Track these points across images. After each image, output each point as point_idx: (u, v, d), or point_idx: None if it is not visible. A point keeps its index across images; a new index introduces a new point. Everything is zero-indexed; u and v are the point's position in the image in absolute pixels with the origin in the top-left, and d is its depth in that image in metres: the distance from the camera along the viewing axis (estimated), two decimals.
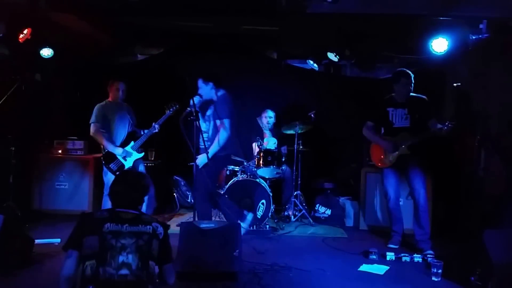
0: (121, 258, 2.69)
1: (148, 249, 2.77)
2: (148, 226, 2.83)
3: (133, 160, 5.93)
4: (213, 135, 5.48)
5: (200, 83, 5.43)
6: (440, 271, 4.46)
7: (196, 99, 5.36)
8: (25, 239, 4.74)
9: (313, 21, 5.95)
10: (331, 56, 6.83)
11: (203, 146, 5.34)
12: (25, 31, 5.99)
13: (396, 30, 6.04)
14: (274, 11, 5.57)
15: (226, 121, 5.44)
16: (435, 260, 4.58)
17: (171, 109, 5.97)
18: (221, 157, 5.57)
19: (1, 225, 4.39)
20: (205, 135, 5.44)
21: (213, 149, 5.45)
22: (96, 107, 5.86)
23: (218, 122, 5.42)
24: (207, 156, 5.36)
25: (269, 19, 6.13)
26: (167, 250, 2.96)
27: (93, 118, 5.81)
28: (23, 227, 5.08)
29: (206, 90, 5.47)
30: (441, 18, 5.52)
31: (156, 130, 5.97)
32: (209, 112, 5.49)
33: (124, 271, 2.67)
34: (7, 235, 4.45)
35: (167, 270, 2.97)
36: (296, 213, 6.80)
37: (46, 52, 6.62)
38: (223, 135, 5.44)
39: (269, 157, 6.43)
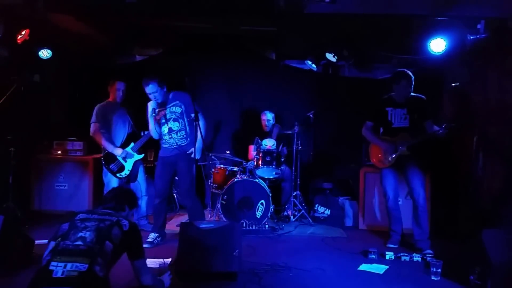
0: (79, 234, 2.98)
1: (108, 232, 3.04)
2: (113, 218, 3.15)
3: (133, 161, 5.94)
4: (191, 130, 5.48)
5: (153, 88, 5.37)
6: (439, 270, 4.46)
7: (153, 104, 5.47)
8: (25, 240, 4.75)
9: (311, 21, 5.95)
10: (329, 56, 6.84)
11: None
12: (23, 32, 6.00)
13: (394, 30, 6.05)
14: (272, 12, 5.57)
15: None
16: (434, 260, 4.59)
17: None
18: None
19: (1, 226, 4.40)
20: (181, 133, 5.49)
21: (200, 141, 5.47)
22: (96, 107, 5.87)
23: (192, 115, 5.37)
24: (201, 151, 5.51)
25: (267, 19, 6.14)
26: (135, 245, 3.29)
27: (93, 118, 5.82)
28: (23, 227, 5.08)
29: (161, 94, 5.44)
30: (439, 19, 5.53)
31: None
32: (178, 110, 5.50)
33: (78, 242, 2.95)
34: (7, 235, 4.45)
35: (139, 266, 3.31)
36: (296, 213, 6.81)
37: (45, 53, 6.62)
38: (203, 125, 5.48)
39: (268, 157, 6.45)
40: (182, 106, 5.49)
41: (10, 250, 4.47)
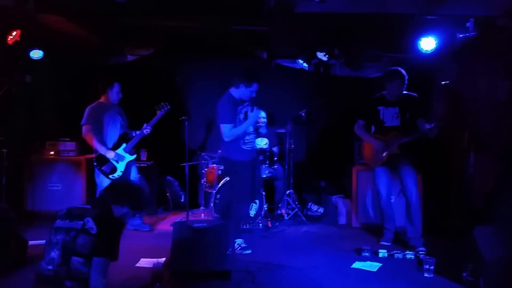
0: (52, 254, 2.83)
1: (72, 245, 2.81)
2: (79, 222, 2.86)
3: (126, 163, 5.93)
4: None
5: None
6: (432, 267, 4.49)
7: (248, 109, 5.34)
8: (18, 241, 4.74)
9: (301, 20, 5.96)
10: (321, 55, 6.85)
11: None
12: (14, 33, 5.97)
13: (384, 29, 6.08)
14: (262, 11, 5.58)
15: None
16: (427, 257, 4.61)
17: (162, 110, 5.98)
18: None
19: None
20: (253, 136, 5.43)
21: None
22: (87, 109, 5.83)
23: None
24: None
25: (258, 19, 6.14)
26: (100, 244, 2.89)
27: (84, 120, 5.78)
28: (17, 228, 5.06)
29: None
30: (429, 17, 5.56)
31: (148, 132, 5.96)
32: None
33: (49, 266, 2.81)
34: (1, 236, 4.45)
35: (94, 264, 2.87)
36: (289, 212, 6.83)
37: (36, 54, 6.59)
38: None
39: (261, 156, 6.46)
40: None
41: (4, 251, 4.46)
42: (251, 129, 5.35)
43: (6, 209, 5.79)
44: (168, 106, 6.02)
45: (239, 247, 5.23)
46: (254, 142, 5.43)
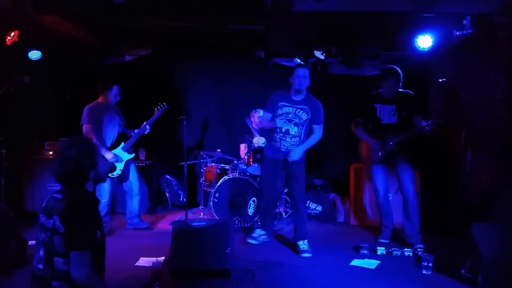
0: (41, 253, 2.74)
1: (51, 245, 2.69)
2: (50, 220, 2.71)
3: (124, 161, 5.95)
4: (304, 138, 5.33)
5: (307, 72, 5.23)
6: (430, 264, 4.51)
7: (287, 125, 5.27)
8: (18, 240, 4.75)
9: (298, 19, 5.95)
10: (318, 54, 6.86)
11: None
12: (12, 34, 5.97)
13: (380, 27, 6.07)
14: (259, 10, 5.58)
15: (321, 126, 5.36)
16: (426, 254, 4.63)
17: (160, 109, 6.01)
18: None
19: None
20: (295, 139, 5.28)
21: (302, 148, 5.31)
22: (86, 108, 5.83)
23: (315, 127, 5.33)
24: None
25: (255, 18, 6.14)
26: (71, 240, 2.66)
27: (84, 120, 5.79)
28: (16, 228, 5.07)
29: (307, 83, 5.25)
30: (425, 15, 5.56)
31: (147, 131, 6.00)
32: (304, 117, 5.25)
33: (40, 265, 2.72)
34: (1, 236, 4.46)
35: (71, 259, 2.65)
36: (287, 210, 6.85)
37: (34, 55, 6.59)
38: (317, 139, 5.35)
39: (258, 154, 6.47)
40: (309, 114, 5.24)
41: (4, 251, 4.48)
42: (282, 129, 5.25)
43: (6, 209, 5.81)
44: (166, 106, 6.06)
45: (260, 236, 5.48)
46: (284, 143, 5.28)
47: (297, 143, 5.27)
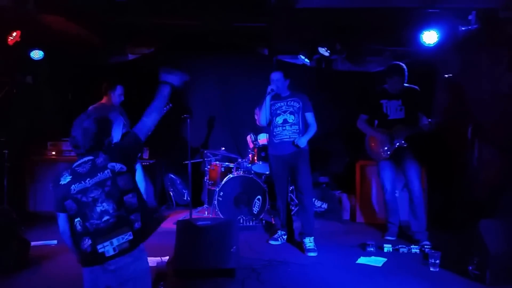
0: (98, 209, 2.86)
1: (117, 191, 2.89)
2: (106, 171, 2.92)
3: None
4: (304, 128, 5.43)
5: (280, 76, 5.40)
6: (437, 261, 4.47)
7: (274, 86, 5.37)
8: (21, 242, 4.73)
9: (302, 16, 5.94)
10: (322, 50, 6.82)
11: None
12: (14, 34, 5.95)
13: (385, 23, 6.05)
14: (263, 7, 5.56)
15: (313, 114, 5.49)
16: (433, 251, 4.60)
17: (165, 108, 5.98)
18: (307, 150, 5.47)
19: None
20: (295, 127, 5.37)
21: (306, 137, 5.38)
22: (90, 109, 5.81)
23: (308, 115, 5.44)
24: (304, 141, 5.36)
25: (259, 15, 6.12)
26: (132, 161, 3.12)
27: None
28: (19, 229, 5.06)
29: (283, 85, 5.43)
30: (430, 10, 5.53)
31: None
32: (296, 105, 5.40)
33: (105, 217, 2.85)
34: (3, 237, 4.44)
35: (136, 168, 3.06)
36: (292, 208, 6.80)
37: (36, 54, 6.58)
38: (315, 127, 5.45)
39: (263, 152, 6.44)
40: (300, 103, 5.40)
41: (6, 252, 4.46)
42: (279, 121, 5.40)
43: (8, 210, 5.80)
44: (170, 105, 6.02)
45: (280, 237, 5.52)
46: (285, 133, 5.36)
47: (297, 130, 5.37)
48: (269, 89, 5.34)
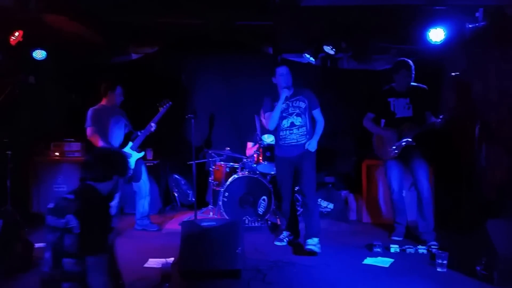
0: (46, 255, 2.71)
1: (61, 246, 2.65)
2: (62, 220, 2.66)
3: (135, 160, 5.89)
4: (311, 128, 5.31)
5: (286, 70, 5.27)
6: (445, 262, 4.43)
7: (287, 92, 5.20)
8: (25, 243, 4.70)
9: (307, 14, 5.90)
10: (327, 49, 6.78)
11: None
12: (16, 34, 5.93)
13: (391, 20, 6.01)
14: (268, 5, 5.52)
15: (320, 109, 5.35)
16: (440, 251, 4.56)
17: (164, 107, 5.96)
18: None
19: (0, 230, 4.36)
20: (302, 129, 5.24)
21: (316, 138, 5.27)
22: (90, 111, 5.78)
23: (315, 112, 5.31)
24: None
25: (263, 13, 6.08)
26: (88, 242, 2.65)
27: (88, 122, 5.73)
28: (22, 231, 5.04)
29: (290, 79, 5.28)
30: (437, 8, 5.48)
31: (153, 129, 5.94)
32: (302, 105, 5.25)
33: (46, 268, 2.69)
34: (7, 239, 4.42)
35: (90, 265, 2.63)
36: (298, 208, 6.75)
37: (39, 54, 6.55)
38: (322, 124, 5.34)
39: (268, 152, 6.39)
40: (306, 101, 5.26)
41: (10, 254, 4.43)
42: (286, 124, 5.26)
43: (12, 212, 5.80)
44: (170, 103, 6.02)
45: (285, 238, 5.48)
46: (293, 136, 5.24)
47: (305, 132, 5.24)
48: (284, 94, 5.16)
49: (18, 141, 6.49)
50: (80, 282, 2.62)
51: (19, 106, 6.66)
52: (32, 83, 7.17)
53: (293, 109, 5.26)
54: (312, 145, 5.19)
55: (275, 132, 5.39)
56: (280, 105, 5.19)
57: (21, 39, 5.95)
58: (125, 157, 3.13)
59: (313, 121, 5.34)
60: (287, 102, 5.26)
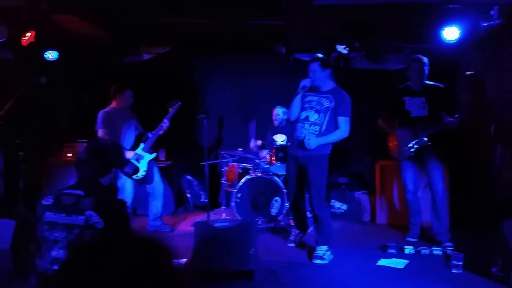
0: (53, 253, 2.63)
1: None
2: (80, 217, 2.62)
3: (147, 162, 5.88)
4: (328, 130, 4.94)
5: (316, 66, 4.96)
6: (460, 263, 4.39)
7: (307, 82, 4.95)
8: (38, 244, 4.70)
9: (320, 13, 5.86)
10: (340, 48, 6.73)
11: None
12: (28, 34, 5.95)
13: (405, 19, 5.94)
14: (280, 5, 5.49)
15: (347, 120, 4.99)
16: (455, 252, 4.52)
17: (174, 107, 5.95)
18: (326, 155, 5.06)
19: (13, 231, 4.37)
20: (315, 127, 4.94)
21: (322, 140, 4.92)
22: (100, 114, 5.77)
23: (340, 119, 4.94)
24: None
25: (275, 13, 6.05)
26: (112, 231, 2.57)
27: (99, 125, 5.74)
28: (35, 232, 5.03)
29: (321, 76, 4.98)
30: (451, 6, 5.42)
31: (166, 126, 5.88)
32: (326, 104, 4.96)
33: (54, 267, 2.60)
34: (20, 240, 4.42)
35: None
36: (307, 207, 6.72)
37: (50, 55, 6.57)
38: (342, 133, 4.97)
39: (281, 153, 6.35)
40: (333, 102, 4.91)
41: (24, 255, 4.43)
42: (302, 116, 5.00)
43: (25, 213, 5.81)
44: (179, 103, 5.99)
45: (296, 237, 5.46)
46: (303, 131, 4.95)
47: (317, 132, 4.91)
48: (301, 85, 4.93)
49: (31, 142, 6.51)
50: None
51: (31, 107, 6.68)
52: (44, 84, 7.19)
53: (316, 104, 4.98)
54: (310, 142, 4.79)
55: (294, 125, 5.16)
56: (297, 98, 4.97)
57: (33, 40, 5.97)
58: (120, 148, 3.12)
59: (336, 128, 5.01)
60: (316, 95, 5.01)
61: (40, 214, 2.70)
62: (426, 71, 5.29)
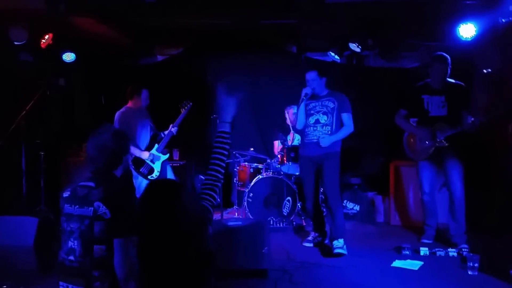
0: (69, 244, 2.66)
1: (90, 234, 2.61)
2: (89, 208, 2.63)
3: (161, 162, 5.93)
4: (337, 129, 5.30)
5: (314, 75, 5.28)
6: (476, 265, 4.30)
7: (309, 90, 5.24)
8: (60, 242, 4.78)
9: (332, 11, 5.83)
10: (353, 46, 6.66)
11: None
12: (46, 37, 6.04)
13: (420, 16, 5.88)
14: (292, 3, 5.48)
15: (350, 115, 5.35)
16: (471, 254, 4.43)
17: (186, 108, 5.97)
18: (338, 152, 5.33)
19: (36, 229, 4.47)
20: (327, 128, 5.24)
21: (334, 138, 5.23)
22: (117, 114, 5.81)
23: (344, 116, 5.30)
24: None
25: (287, 12, 6.04)
26: (117, 225, 2.60)
27: (116, 125, 5.79)
28: (57, 229, 5.11)
29: (319, 84, 5.29)
30: (468, 2, 5.34)
31: (175, 132, 5.95)
32: (331, 105, 5.28)
33: (71, 257, 2.65)
34: (43, 238, 4.49)
35: (115, 247, 2.59)
36: (323, 210, 6.68)
37: (68, 57, 6.66)
38: (349, 129, 5.33)
39: (293, 153, 6.34)
40: (336, 103, 5.27)
41: (47, 253, 4.51)
42: (311, 121, 5.30)
43: (46, 211, 5.91)
44: (191, 103, 6.01)
45: (315, 239, 5.47)
46: (316, 133, 5.23)
47: (329, 132, 5.22)
48: (303, 94, 5.21)
49: (51, 142, 6.62)
50: (109, 270, 2.59)
51: (50, 108, 6.78)
52: (62, 85, 7.30)
53: (320, 107, 5.29)
54: (324, 140, 5.14)
55: (302, 131, 5.40)
56: (301, 106, 5.27)
57: (51, 42, 6.06)
58: (123, 135, 3.04)
59: (342, 125, 5.32)
60: (318, 101, 5.31)
61: (61, 207, 2.78)
62: (449, 70, 5.17)
